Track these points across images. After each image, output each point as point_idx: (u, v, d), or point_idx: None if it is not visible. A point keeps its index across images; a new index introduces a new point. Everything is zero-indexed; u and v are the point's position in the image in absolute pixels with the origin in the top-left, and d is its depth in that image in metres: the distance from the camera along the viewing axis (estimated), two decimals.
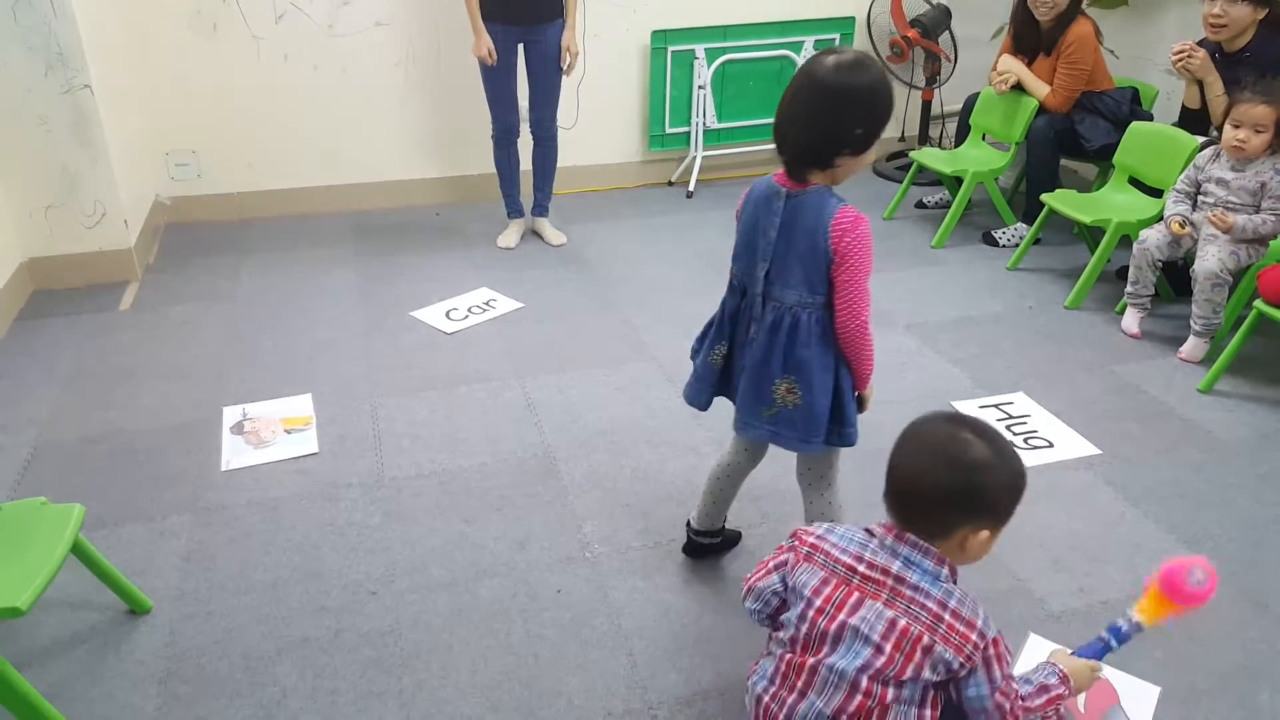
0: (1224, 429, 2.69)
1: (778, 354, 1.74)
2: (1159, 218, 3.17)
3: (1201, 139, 3.20)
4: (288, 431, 2.65)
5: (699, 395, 1.93)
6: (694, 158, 4.64)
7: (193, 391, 2.86)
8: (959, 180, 3.98)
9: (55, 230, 3.46)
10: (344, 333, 3.24)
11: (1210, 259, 2.92)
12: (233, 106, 4.06)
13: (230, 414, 2.74)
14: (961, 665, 1.37)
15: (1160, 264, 3.15)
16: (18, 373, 2.96)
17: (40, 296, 3.47)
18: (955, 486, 1.38)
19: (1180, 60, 3.26)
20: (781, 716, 1.46)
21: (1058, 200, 3.53)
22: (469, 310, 3.41)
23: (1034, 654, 1.92)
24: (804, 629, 1.46)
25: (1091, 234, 3.63)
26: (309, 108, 4.16)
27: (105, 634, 1.96)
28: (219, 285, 3.60)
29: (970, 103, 4.22)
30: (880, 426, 2.63)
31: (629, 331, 3.25)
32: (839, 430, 1.80)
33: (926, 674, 1.37)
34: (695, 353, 1.96)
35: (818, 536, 1.52)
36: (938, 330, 3.26)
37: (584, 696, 1.82)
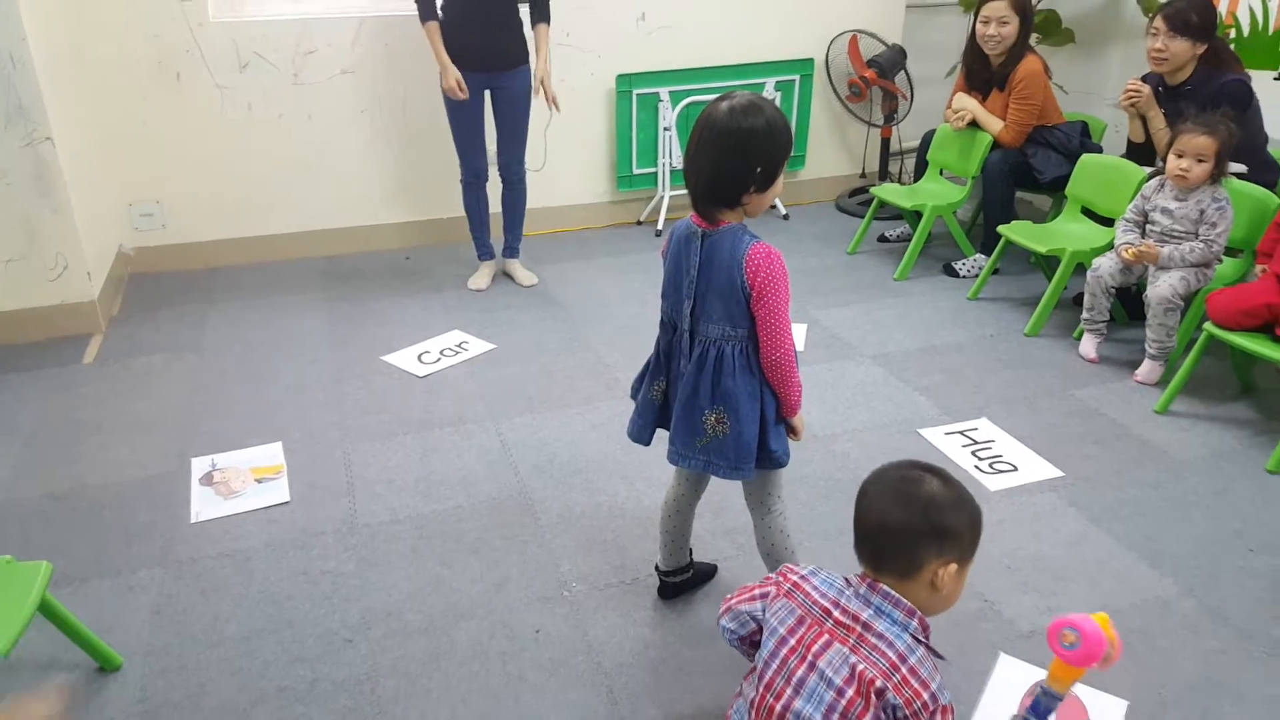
0: (1180, 448, 2.76)
1: (705, 386, 1.79)
2: (1111, 246, 3.28)
3: (1148, 169, 3.32)
4: (258, 481, 2.63)
5: (641, 431, 1.98)
6: (661, 197, 4.72)
7: (160, 443, 2.83)
8: (919, 214, 4.08)
9: (16, 284, 3.43)
10: (314, 379, 3.23)
11: (1162, 285, 3.01)
12: (197, 156, 4.07)
13: (199, 465, 2.71)
14: (907, 718, 1.40)
15: (1114, 290, 3.25)
16: None
17: (1, 352, 3.43)
18: (914, 521, 1.44)
19: (1129, 99, 3.40)
20: None
21: (1014, 231, 3.63)
22: (441, 353, 3.42)
23: (1005, 674, 1.95)
24: (774, 666, 1.50)
25: (1048, 263, 3.73)
26: (274, 156, 4.17)
27: (75, 692, 1.92)
28: (185, 335, 3.58)
29: (927, 139, 4.34)
30: (848, 456, 2.71)
31: (602, 369, 3.28)
32: (769, 455, 1.85)
33: (883, 718, 1.41)
34: (635, 391, 2.01)
35: (801, 577, 1.56)
36: (903, 360, 3.32)
37: None
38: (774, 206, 4.93)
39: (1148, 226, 3.19)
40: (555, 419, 2.96)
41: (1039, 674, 1.94)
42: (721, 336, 1.77)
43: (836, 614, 1.48)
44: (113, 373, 3.29)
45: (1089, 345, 3.31)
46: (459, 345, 3.49)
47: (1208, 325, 2.83)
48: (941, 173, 4.30)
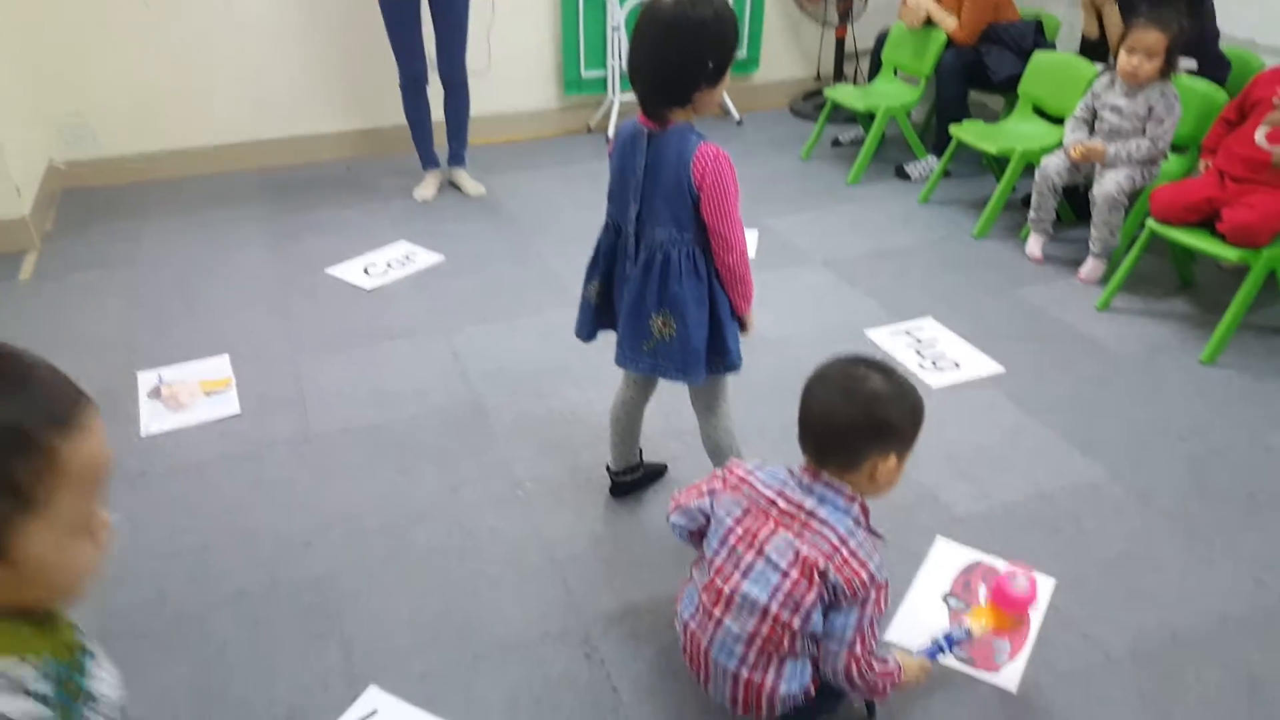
0: (1118, 343, 2.85)
1: (652, 290, 1.79)
2: (1060, 145, 3.30)
3: (1100, 65, 3.32)
4: (207, 394, 2.62)
5: (580, 328, 2.00)
6: (611, 102, 4.63)
7: (104, 359, 2.79)
8: (873, 117, 4.06)
9: None
10: (258, 293, 3.19)
11: (1108, 182, 3.06)
12: (126, 65, 3.90)
13: (145, 379, 2.68)
14: (846, 597, 1.46)
15: (1061, 189, 3.29)
16: None
17: None
18: (857, 417, 1.47)
19: None
20: (705, 642, 1.57)
21: (965, 132, 3.64)
22: (388, 265, 3.38)
23: (941, 555, 2.04)
24: (724, 554, 1.56)
25: (998, 164, 3.76)
26: (206, 62, 4.01)
27: None
28: (122, 250, 3.49)
29: (882, 39, 4.29)
30: (796, 359, 2.71)
31: (551, 279, 3.27)
32: (721, 359, 1.87)
33: (826, 597, 1.48)
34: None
35: (747, 471, 1.61)
36: (852, 265, 3.36)
37: (522, 622, 1.88)
38: (728, 112, 4.87)
39: (1096, 124, 3.21)
40: (506, 329, 2.96)
41: (973, 554, 2.04)
42: (668, 240, 1.75)
43: (781, 504, 1.53)
44: (50, 289, 3.22)
45: (1035, 245, 3.37)
46: (406, 257, 3.45)
47: (1150, 221, 2.88)
48: (896, 73, 4.27)
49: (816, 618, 1.48)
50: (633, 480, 2.22)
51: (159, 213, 3.82)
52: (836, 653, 1.50)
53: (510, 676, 1.77)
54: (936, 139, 3.99)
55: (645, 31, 1.65)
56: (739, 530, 1.55)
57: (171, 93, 4.02)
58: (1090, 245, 3.17)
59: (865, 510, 1.54)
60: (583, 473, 2.31)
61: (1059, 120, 3.52)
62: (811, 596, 1.46)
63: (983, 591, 1.95)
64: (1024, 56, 3.72)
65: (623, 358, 1.92)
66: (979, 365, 2.73)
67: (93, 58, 3.84)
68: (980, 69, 3.84)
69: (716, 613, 1.55)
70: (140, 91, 3.97)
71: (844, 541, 1.48)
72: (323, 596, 1.95)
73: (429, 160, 4.01)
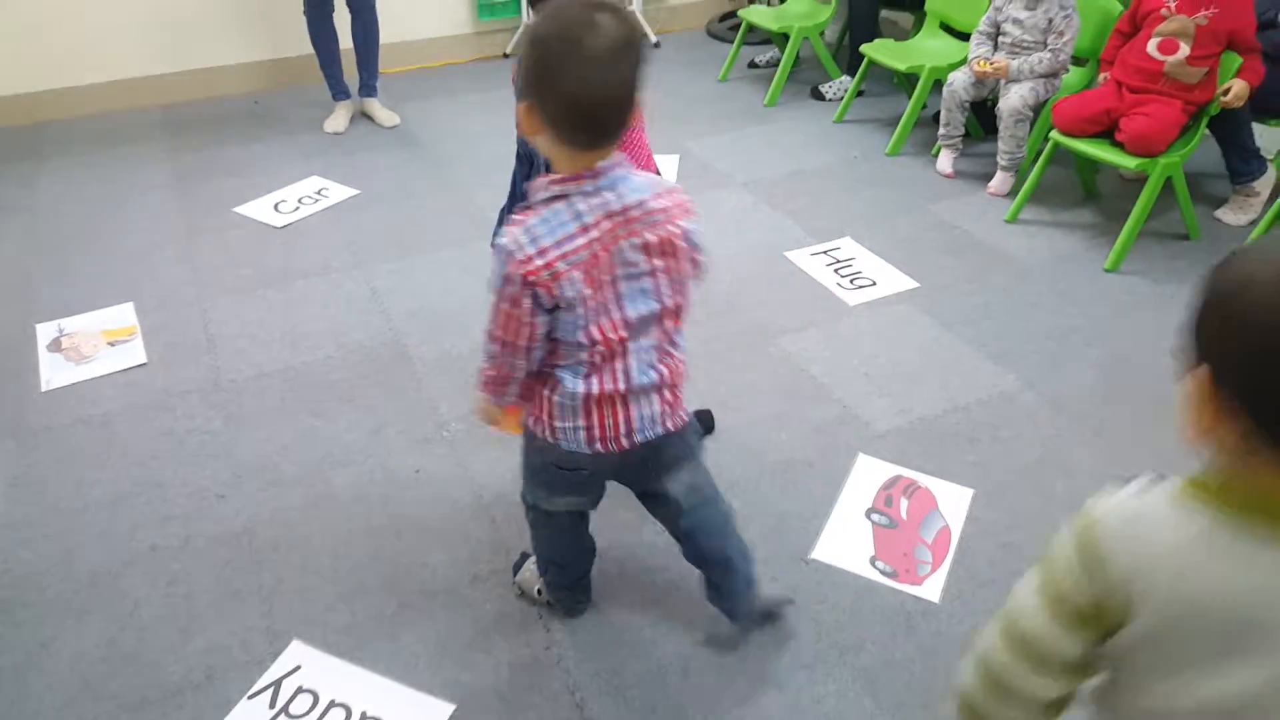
0: (1027, 254, 2.92)
1: None
2: (965, 61, 3.31)
3: None
4: (110, 344, 2.51)
5: None
6: (525, 25, 4.48)
7: None
8: (787, 37, 4.01)
9: None
10: (162, 235, 3.05)
11: (1012, 96, 3.09)
12: None
13: (45, 331, 2.57)
14: (693, 224, 1.38)
15: (968, 104, 3.31)
16: None
17: None
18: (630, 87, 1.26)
19: None
20: (623, 384, 1.41)
21: (875, 50, 3.62)
22: (299, 201, 3.26)
23: (863, 472, 2.09)
24: (593, 321, 1.35)
25: (909, 82, 3.76)
26: None
27: None
28: (15, 196, 3.30)
29: None
30: (720, 281, 2.75)
31: (473, 210, 3.19)
32: None
33: (691, 252, 1.39)
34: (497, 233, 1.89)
35: (535, 258, 1.27)
36: (771, 186, 3.35)
37: (449, 565, 1.88)
38: (644, 35, 4.76)
39: (1000, 38, 3.22)
40: (426, 263, 2.90)
41: (893, 469, 2.09)
42: None
43: (592, 234, 1.29)
44: None
45: (945, 161, 3.40)
46: (318, 192, 3.33)
47: (1053, 133, 2.93)
48: None
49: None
50: None
51: (54, 155, 3.61)
52: None
53: (438, 623, 1.76)
54: (850, 59, 3.97)
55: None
56: (590, 291, 1.31)
57: (60, 26, 3.75)
58: (998, 159, 3.22)
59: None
60: None
61: (966, 36, 3.52)
62: (687, 265, 1.41)
63: (904, 505, 2.01)
64: None
65: None
66: (894, 282, 2.77)
67: None
68: None
69: (618, 362, 1.39)
70: (31, 26, 3.70)
71: (658, 196, 1.34)
72: (239, 550, 1.91)
73: (339, 91, 3.85)
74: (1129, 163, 2.77)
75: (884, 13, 3.98)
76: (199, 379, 2.40)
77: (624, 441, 1.45)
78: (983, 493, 2.04)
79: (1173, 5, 2.75)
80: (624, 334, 1.38)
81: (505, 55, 4.61)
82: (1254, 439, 0.72)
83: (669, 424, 1.49)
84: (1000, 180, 3.24)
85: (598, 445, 1.45)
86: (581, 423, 1.43)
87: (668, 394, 1.48)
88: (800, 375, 2.40)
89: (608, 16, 1.24)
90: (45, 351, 2.49)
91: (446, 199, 3.28)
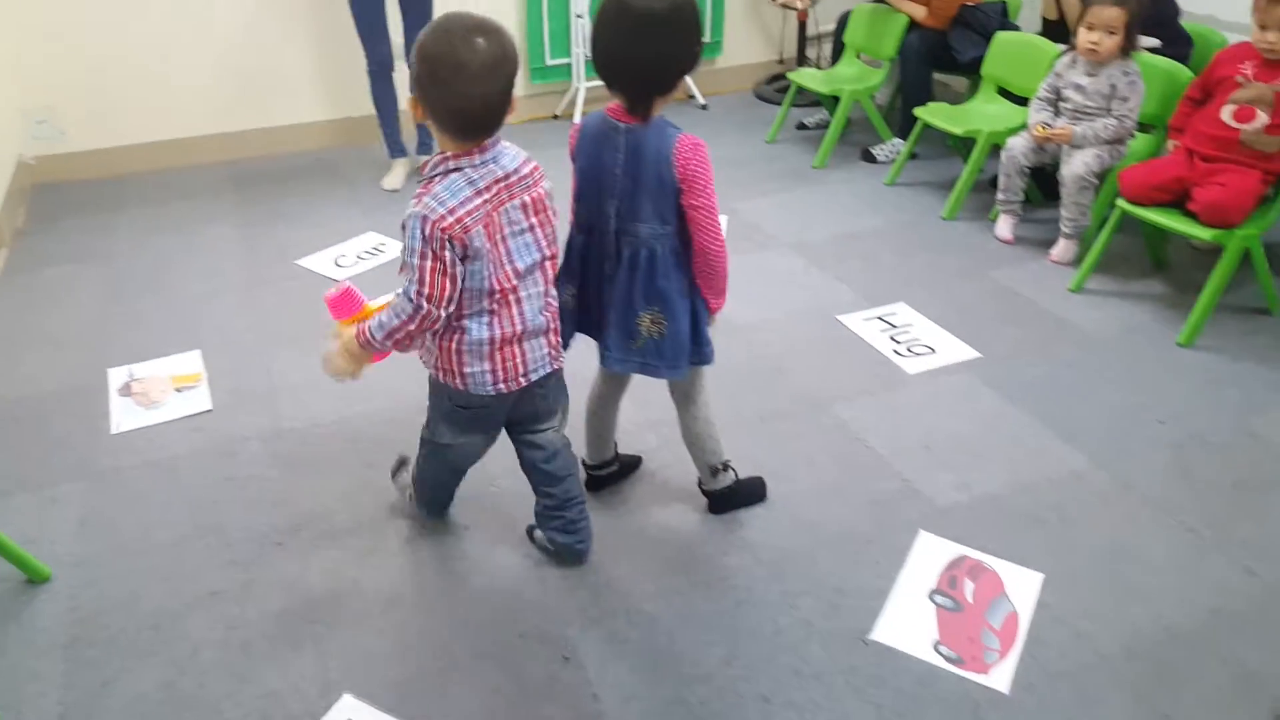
0: (1093, 325, 2.86)
1: (639, 288, 1.77)
2: (1025, 126, 3.30)
3: (1062, 46, 3.32)
4: (178, 390, 2.58)
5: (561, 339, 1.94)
6: (577, 89, 4.60)
7: (75, 355, 2.75)
8: (837, 99, 4.05)
9: None
10: (228, 286, 3.14)
11: (1075, 162, 3.07)
12: (93, 59, 3.84)
13: (116, 376, 2.64)
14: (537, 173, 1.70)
15: (1028, 170, 3.30)
16: None
17: None
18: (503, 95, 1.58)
19: None
20: (519, 326, 1.70)
21: (930, 114, 3.64)
22: (358, 256, 3.34)
23: (924, 550, 2.03)
24: (493, 272, 1.64)
25: (964, 145, 3.77)
26: (175, 55, 3.95)
27: (3, 605, 1.91)
28: (94, 245, 3.43)
29: (843, 21, 4.28)
30: (768, 345, 2.75)
31: None
32: (699, 351, 1.86)
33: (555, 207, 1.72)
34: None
35: (447, 216, 1.55)
36: (821, 248, 3.35)
37: (496, 624, 1.86)
38: (691, 96, 4.85)
39: (1060, 104, 3.22)
40: None
41: (958, 548, 2.03)
42: (652, 236, 1.73)
43: (487, 196, 1.60)
44: (21, 285, 3.16)
45: (1004, 226, 3.38)
46: (375, 247, 3.41)
47: (1120, 201, 2.90)
48: (858, 55, 4.26)
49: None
50: (608, 474, 2.21)
51: (131, 207, 3.76)
52: None
53: (486, 682, 1.75)
54: (902, 121, 3.99)
55: (624, 24, 1.60)
56: (489, 245, 1.62)
57: (140, 86, 3.95)
58: (1061, 226, 3.19)
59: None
60: None
61: (1023, 100, 3.53)
62: (554, 219, 1.76)
63: (970, 587, 1.95)
64: (989, 38, 3.72)
65: (611, 360, 1.87)
66: (954, 350, 2.74)
67: (62, 47, 3.76)
68: (944, 51, 3.84)
69: (515, 309, 1.70)
70: (109, 85, 3.90)
71: (527, 161, 1.70)
72: (296, 598, 1.93)
73: (396, 149, 3.96)
74: (1203, 234, 2.70)
75: (936, 75, 4.00)
76: (260, 427, 2.44)
77: (522, 380, 1.75)
78: (1053, 577, 1.96)
79: (1249, 71, 2.72)
80: (515, 282, 1.67)
81: (555, 117, 4.71)
82: None
83: (554, 364, 1.81)
84: (1063, 248, 3.20)
85: (500, 385, 1.73)
86: (487, 366, 1.71)
87: (552, 337, 1.79)
88: (856, 445, 2.36)
89: (483, 40, 1.54)
90: (116, 395, 2.56)
91: None
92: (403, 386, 2.60)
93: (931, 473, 2.27)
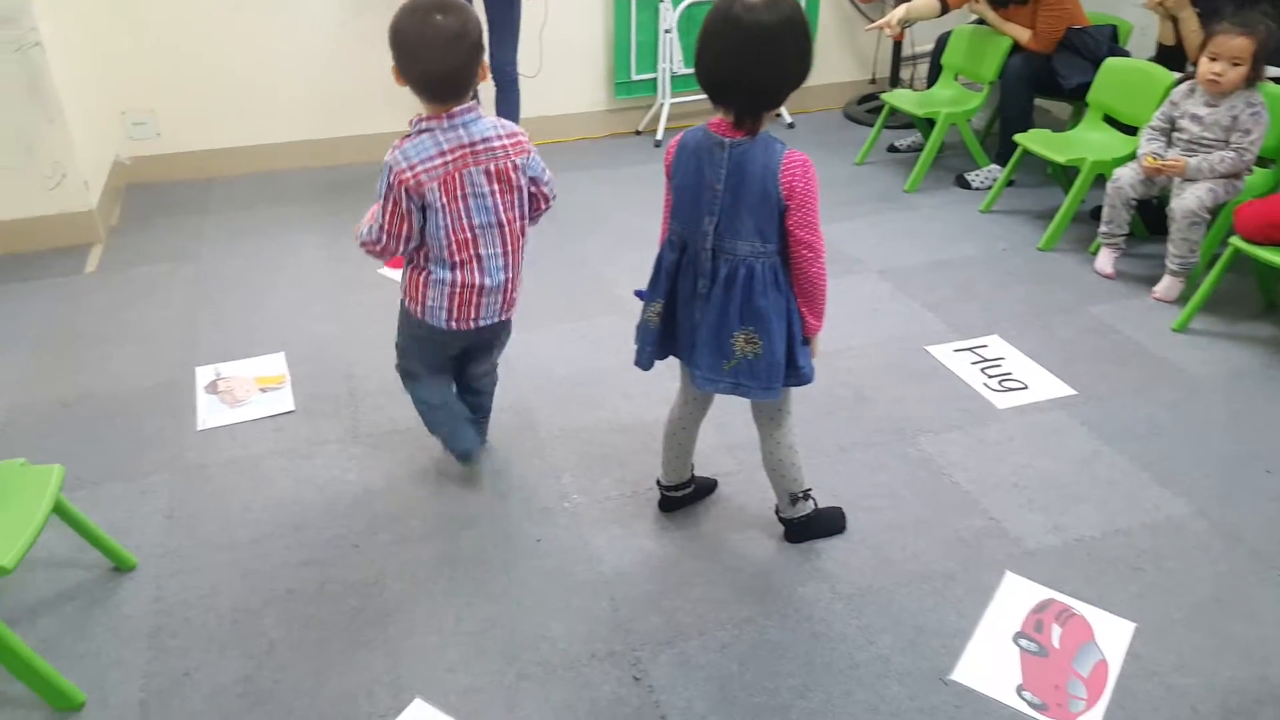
0: (1198, 367, 2.72)
1: (735, 306, 1.73)
2: (1133, 156, 3.17)
3: (1178, 75, 3.19)
4: (262, 390, 2.63)
5: (640, 355, 1.92)
6: (661, 104, 4.59)
7: (164, 353, 2.83)
8: (931, 122, 3.96)
9: (14, 193, 3.38)
10: (314, 291, 3.20)
11: (1188, 197, 2.92)
12: (190, 61, 3.96)
13: (203, 374, 2.71)
14: (528, 160, 1.95)
15: (1135, 202, 3.16)
16: None
17: (1, 261, 3.40)
18: (466, 64, 1.84)
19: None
20: (478, 280, 1.97)
21: (1032, 140, 3.52)
22: None
23: (1010, 591, 1.95)
24: (450, 224, 1.89)
25: (1065, 174, 3.63)
26: (268, 60, 4.06)
27: (91, 591, 1.96)
28: (184, 246, 3.54)
29: (942, 42, 4.19)
30: (851, 372, 2.68)
31: (600, 284, 3.23)
32: (797, 372, 1.82)
33: (527, 180, 1.96)
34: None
35: (406, 170, 1.83)
36: (911, 275, 3.27)
37: (568, 640, 1.84)
38: (779, 114, 4.80)
39: (1174, 134, 3.07)
40: (553, 334, 2.93)
41: (1045, 592, 1.94)
42: (751, 253, 1.70)
43: (449, 156, 1.85)
44: (114, 283, 3.27)
45: (1106, 260, 3.24)
46: None
47: (1235, 239, 2.74)
48: (956, 78, 4.16)
49: (520, 207, 2.00)
50: (683, 496, 2.17)
51: (221, 210, 3.87)
52: None
53: (555, 697, 1.72)
54: (999, 147, 3.87)
55: (735, 37, 1.56)
56: (445, 201, 1.87)
57: (235, 90, 4.07)
58: (1167, 263, 3.04)
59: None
60: (630, 484, 2.27)
61: (1131, 130, 3.39)
62: (516, 193, 1.97)
63: (1057, 633, 1.86)
64: (1095, 63, 3.58)
65: (703, 380, 1.82)
66: (1048, 386, 2.62)
67: (161, 51, 3.91)
68: (1048, 76, 3.71)
69: (476, 265, 1.96)
70: (205, 88, 4.03)
71: (500, 137, 1.92)
72: (370, 600, 1.94)
73: None
74: None
75: (1037, 100, 3.87)
76: (339, 430, 2.47)
77: (471, 324, 2.03)
78: (1146, 628, 1.85)
79: None
80: (469, 236, 1.92)
81: (638, 132, 4.71)
82: None
83: (504, 315, 2.10)
84: (1168, 285, 3.05)
85: (453, 324, 2.01)
86: (445, 304, 1.99)
87: (509, 294, 2.06)
88: (941, 480, 2.28)
89: (442, 16, 1.79)
90: (203, 393, 2.63)
91: (574, 272, 3.32)
92: None
93: (1020, 512, 2.17)
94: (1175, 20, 3.30)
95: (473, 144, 1.86)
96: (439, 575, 2.01)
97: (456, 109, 1.85)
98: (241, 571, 2.01)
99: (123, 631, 1.86)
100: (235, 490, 2.26)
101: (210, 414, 2.53)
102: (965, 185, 3.97)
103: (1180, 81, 3.11)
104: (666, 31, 4.43)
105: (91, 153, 3.60)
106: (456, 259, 1.93)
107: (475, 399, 2.29)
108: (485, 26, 3.62)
